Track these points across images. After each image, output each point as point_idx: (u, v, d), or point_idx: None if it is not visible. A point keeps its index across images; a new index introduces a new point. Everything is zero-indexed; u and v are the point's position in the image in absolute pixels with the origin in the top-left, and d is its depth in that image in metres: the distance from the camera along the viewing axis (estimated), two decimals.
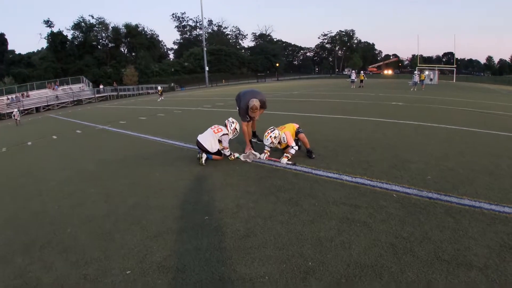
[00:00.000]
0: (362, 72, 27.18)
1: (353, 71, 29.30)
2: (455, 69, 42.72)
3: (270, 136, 4.14)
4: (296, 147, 4.22)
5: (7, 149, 7.81)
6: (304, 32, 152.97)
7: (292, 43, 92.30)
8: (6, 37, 48.56)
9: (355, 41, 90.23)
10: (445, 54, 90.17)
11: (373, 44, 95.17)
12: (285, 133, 4.18)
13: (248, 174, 3.78)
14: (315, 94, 17.28)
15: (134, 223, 2.72)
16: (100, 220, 2.85)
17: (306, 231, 2.33)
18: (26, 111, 26.23)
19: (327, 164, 3.91)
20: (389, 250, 2.05)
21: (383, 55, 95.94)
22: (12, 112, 17.72)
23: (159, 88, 25.41)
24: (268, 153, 4.34)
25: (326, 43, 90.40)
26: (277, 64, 68.38)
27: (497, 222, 2.35)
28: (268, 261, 2.00)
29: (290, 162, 4.02)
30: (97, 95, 33.79)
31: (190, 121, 9.46)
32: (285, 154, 4.15)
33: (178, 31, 74.03)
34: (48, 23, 49.50)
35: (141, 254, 2.21)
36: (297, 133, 4.35)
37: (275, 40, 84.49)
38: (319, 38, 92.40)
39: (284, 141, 4.19)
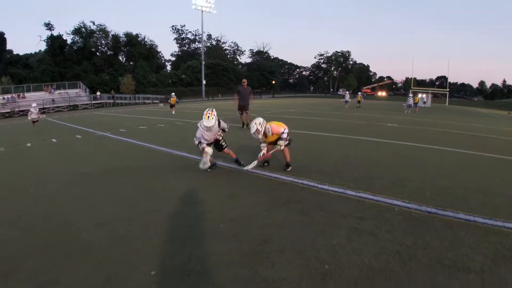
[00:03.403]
0: (359, 93, 28.55)
1: (347, 92, 30.70)
2: (448, 92, 44.33)
3: (255, 123, 4.14)
4: (286, 131, 4.29)
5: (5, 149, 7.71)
6: (301, 51, 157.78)
7: (289, 62, 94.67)
8: (5, 36, 48.45)
9: (351, 62, 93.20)
10: (438, 78, 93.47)
11: (368, 66, 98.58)
12: (270, 125, 4.25)
13: (255, 187, 3.91)
14: (311, 112, 17.72)
15: (148, 229, 2.76)
16: (113, 224, 2.85)
17: (319, 239, 2.49)
18: (21, 112, 25.91)
19: (331, 180, 4.10)
20: (395, 256, 2.23)
21: (377, 77, 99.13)
22: (29, 111, 11.53)
23: (173, 95, 19.01)
24: (265, 149, 4.43)
25: (322, 63, 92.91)
26: (273, 82, 69.48)
27: (491, 234, 2.59)
28: (288, 265, 2.14)
29: (287, 142, 4.26)
30: (93, 102, 33.68)
31: (191, 133, 9.54)
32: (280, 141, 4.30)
33: (177, 43, 74.97)
34: (49, 26, 49.46)
35: (160, 257, 2.28)
36: (282, 136, 4.32)
37: (272, 57, 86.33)
38: (315, 57, 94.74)
39: (269, 132, 4.21)
